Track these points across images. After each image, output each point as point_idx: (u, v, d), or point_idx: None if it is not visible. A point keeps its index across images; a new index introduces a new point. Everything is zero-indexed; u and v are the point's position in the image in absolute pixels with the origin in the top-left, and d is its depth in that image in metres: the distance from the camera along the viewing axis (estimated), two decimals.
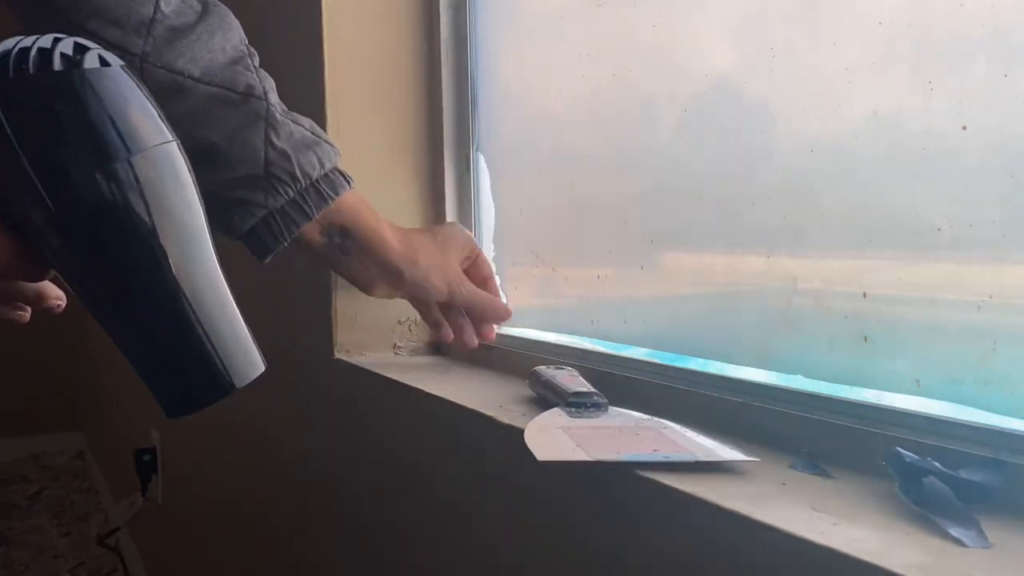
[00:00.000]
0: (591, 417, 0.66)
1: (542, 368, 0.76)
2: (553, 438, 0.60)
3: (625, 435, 0.61)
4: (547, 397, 0.72)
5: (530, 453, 0.63)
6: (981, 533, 0.43)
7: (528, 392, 0.76)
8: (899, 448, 0.49)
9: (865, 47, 0.59)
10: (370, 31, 0.97)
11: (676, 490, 0.51)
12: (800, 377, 0.62)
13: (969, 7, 0.52)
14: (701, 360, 0.72)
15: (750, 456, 0.55)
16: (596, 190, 0.86)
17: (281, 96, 1.05)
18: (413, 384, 0.82)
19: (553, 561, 0.64)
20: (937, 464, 0.49)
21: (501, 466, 0.69)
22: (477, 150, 1.00)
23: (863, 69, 0.58)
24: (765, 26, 0.66)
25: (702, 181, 0.72)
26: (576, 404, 0.68)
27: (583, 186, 0.87)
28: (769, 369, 0.65)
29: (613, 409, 0.68)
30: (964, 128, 0.53)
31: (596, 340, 0.84)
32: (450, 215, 1.01)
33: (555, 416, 0.66)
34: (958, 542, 0.42)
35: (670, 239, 0.77)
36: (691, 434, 0.61)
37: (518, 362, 0.88)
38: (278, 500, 1.23)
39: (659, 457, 0.55)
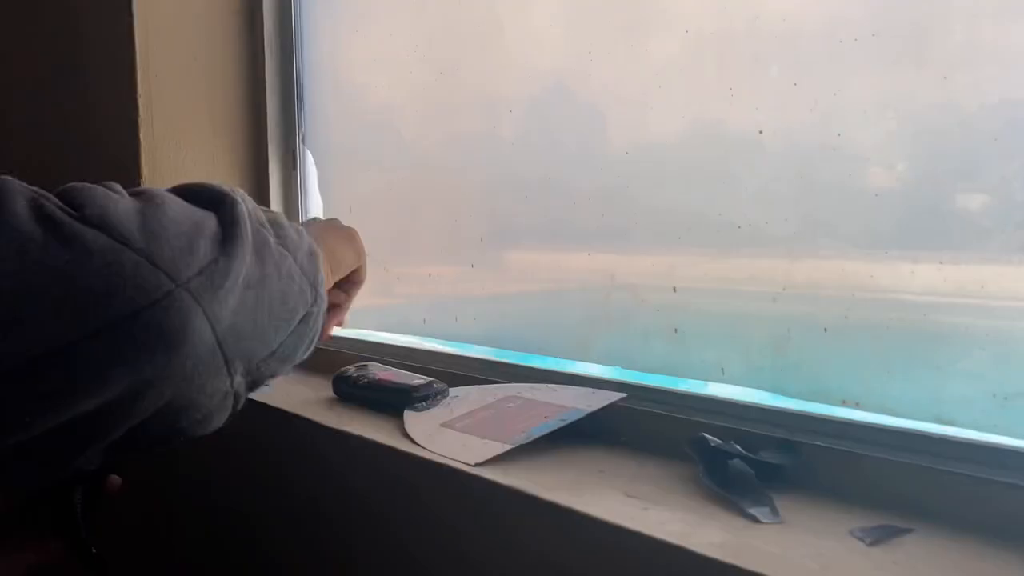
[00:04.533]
0: (440, 405, 0.67)
1: (348, 368, 0.75)
2: (451, 440, 0.59)
3: (504, 413, 0.61)
4: (369, 397, 0.71)
5: (332, 452, 0.62)
6: (774, 509, 0.46)
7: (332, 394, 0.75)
8: (704, 434, 0.52)
9: (674, 54, 0.61)
10: (186, 20, 0.92)
11: (499, 485, 0.52)
12: (619, 368, 0.64)
13: (763, 19, 0.56)
14: (529, 355, 0.73)
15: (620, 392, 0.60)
16: (426, 188, 0.85)
17: (88, 92, 0.98)
18: None
19: (383, 559, 0.63)
20: (739, 447, 0.52)
21: (319, 469, 0.68)
22: (304, 145, 0.97)
23: (672, 75, 0.61)
24: (581, 30, 0.68)
25: (530, 181, 0.73)
26: (423, 398, 0.68)
27: (413, 184, 0.87)
28: (592, 362, 0.68)
29: (452, 391, 0.69)
30: (760, 132, 0.56)
31: (428, 338, 0.84)
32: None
33: (418, 418, 0.65)
34: (754, 519, 0.45)
35: (499, 238, 0.78)
36: (547, 390, 0.64)
37: (348, 363, 0.86)
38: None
39: (557, 423, 0.57)
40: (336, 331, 0.93)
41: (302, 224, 0.70)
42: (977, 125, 0.48)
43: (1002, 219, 0.47)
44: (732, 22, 0.58)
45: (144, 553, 1.00)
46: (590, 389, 0.62)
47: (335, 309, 0.73)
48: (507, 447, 0.56)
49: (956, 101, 0.48)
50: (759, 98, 0.56)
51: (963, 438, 0.47)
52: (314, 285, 0.58)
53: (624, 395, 0.59)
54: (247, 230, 0.51)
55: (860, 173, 0.52)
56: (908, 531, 0.44)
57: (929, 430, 0.48)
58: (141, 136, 0.88)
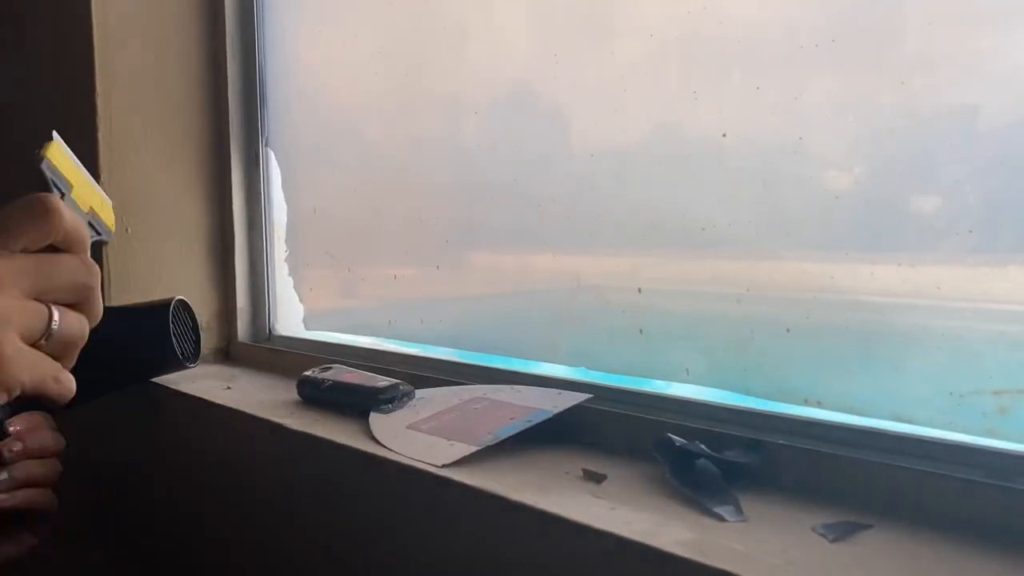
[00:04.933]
0: (406, 407, 0.66)
1: (312, 371, 0.75)
2: (418, 441, 0.59)
3: (470, 415, 0.61)
4: (334, 400, 0.70)
5: (297, 455, 0.61)
6: (739, 508, 0.47)
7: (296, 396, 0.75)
8: (669, 435, 0.53)
9: (639, 57, 0.62)
10: (146, 19, 0.91)
11: (467, 486, 0.51)
12: (584, 369, 0.64)
13: (727, 24, 0.57)
14: (495, 357, 0.73)
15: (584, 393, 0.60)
16: (391, 190, 0.85)
17: (46, 90, 0.96)
18: (199, 395, 0.78)
19: (349, 561, 0.63)
20: (704, 447, 0.52)
21: (285, 472, 0.67)
22: (267, 147, 0.96)
23: (637, 78, 0.62)
24: (546, 33, 0.68)
25: (495, 183, 0.73)
26: (389, 400, 0.67)
27: (378, 185, 0.87)
28: (557, 363, 0.68)
29: (418, 392, 0.69)
30: (724, 135, 0.57)
31: (393, 340, 0.84)
32: (237, 213, 0.96)
33: (383, 420, 0.64)
34: (719, 518, 0.46)
35: (465, 239, 0.78)
36: (513, 391, 0.64)
37: (313, 365, 0.85)
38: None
39: (523, 424, 0.57)
40: (300, 333, 0.93)
41: None
42: (933, 129, 0.49)
43: (956, 221, 0.48)
44: (696, 26, 0.59)
45: (111, 557, 0.99)
46: (556, 390, 0.62)
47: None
48: (474, 448, 0.56)
49: (913, 105, 0.50)
50: (722, 101, 0.57)
51: (921, 435, 0.48)
52: None
53: (590, 396, 0.60)
54: None
55: (820, 176, 0.53)
56: (868, 527, 0.44)
57: (888, 428, 0.49)
58: (99, 136, 0.86)
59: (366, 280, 0.88)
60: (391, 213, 0.85)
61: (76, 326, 0.42)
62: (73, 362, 0.43)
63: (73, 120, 0.89)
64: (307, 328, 0.94)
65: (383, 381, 0.70)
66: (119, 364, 0.79)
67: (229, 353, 0.98)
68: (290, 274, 0.96)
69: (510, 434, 0.57)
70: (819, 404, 0.53)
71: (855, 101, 0.52)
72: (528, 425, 0.57)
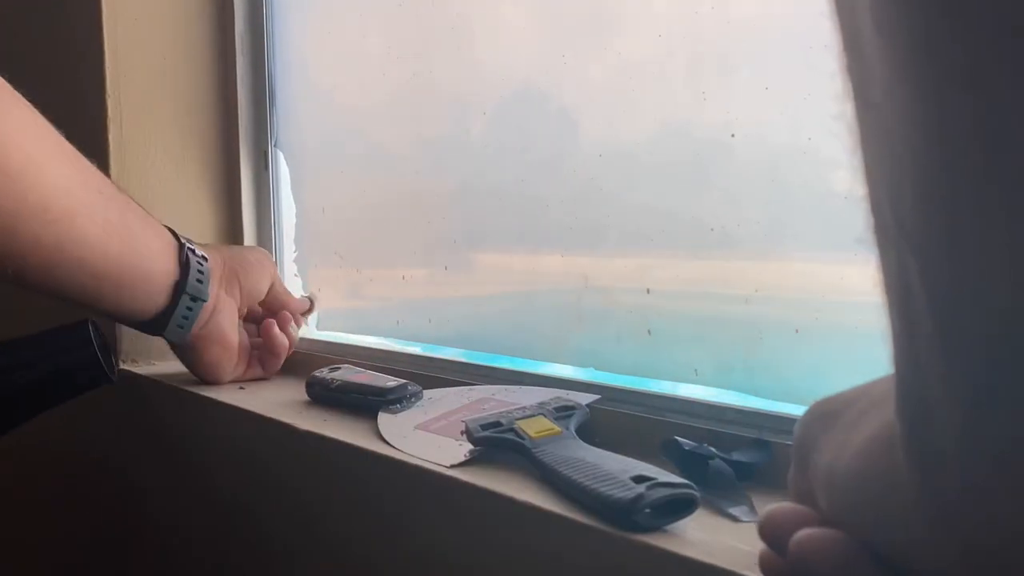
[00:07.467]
0: (414, 407, 0.67)
1: (321, 371, 0.75)
2: (426, 441, 0.59)
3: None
4: (343, 400, 0.71)
5: (306, 455, 0.62)
6: (752, 508, 0.47)
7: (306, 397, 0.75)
8: (676, 437, 0.53)
9: (646, 58, 0.62)
10: (156, 15, 0.92)
11: (475, 486, 0.52)
12: (592, 369, 0.64)
13: (735, 24, 0.57)
14: (503, 357, 0.74)
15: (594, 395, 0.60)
16: (400, 190, 0.85)
17: (56, 90, 0.96)
18: (207, 395, 0.78)
19: (356, 560, 0.63)
20: (712, 448, 0.52)
21: (293, 472, 0.67)
22: (276, 147, 0.97)
23: (645, 78, 0.62)
24: (554, 33, 0.68)
25: (503, 183, 0.73)
26: (397, 400, 0.67)
27: (387, 186, 0.87)
28: (565, 363, 0.68)
29: (427, 393, 0.69)
30: (732, 136, 0.57)
31: (401, 340, 0.84)
32: (247, 214, 0.97)
33: (392, 420, 0.65)
34: (733, 518, 0.46)
35: (473, 240, 0.78)
36: (521, 391, 0.64)
37: (321, 365, 0.85)
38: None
39: None
40: (309, 333, 0.93)
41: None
42: None
43: None
44: (704, 26, 0.59)
45: (112, 558, 0.99)
46: (564, 391, 0.62)
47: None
48: (482, 448, 0.56)
49: None
50: (731, 102, 0.57)
51: None
52: None
53: (598, 396, 0.60)
54: None
55: (829, 176, 0.53)
56: None
57: None
58: (110, 136, 0.87)
59: (375, 280, 0.89)
60: (400, 214, 0.85)
61: None
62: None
63: (84, 122, 0.90)
64: (316, 328, 0.95)
65: (391, 381, 0.70)
66: (44, 386, 0.75)
67: None
68: (299, 274, 0.96)
69: None
70: None
71: None
72: None
